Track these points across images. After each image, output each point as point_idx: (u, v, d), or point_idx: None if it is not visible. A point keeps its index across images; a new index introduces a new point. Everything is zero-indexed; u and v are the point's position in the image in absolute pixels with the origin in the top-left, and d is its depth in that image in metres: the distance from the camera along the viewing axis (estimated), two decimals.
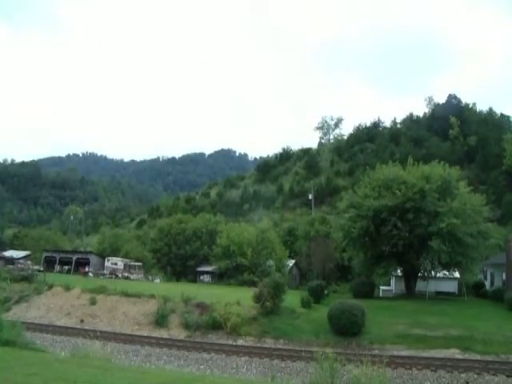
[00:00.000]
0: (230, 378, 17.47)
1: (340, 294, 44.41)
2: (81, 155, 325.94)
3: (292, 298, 31.65)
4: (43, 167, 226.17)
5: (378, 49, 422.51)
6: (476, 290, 43.18)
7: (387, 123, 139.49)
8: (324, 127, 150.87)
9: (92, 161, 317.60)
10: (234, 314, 28.22)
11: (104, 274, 54.46)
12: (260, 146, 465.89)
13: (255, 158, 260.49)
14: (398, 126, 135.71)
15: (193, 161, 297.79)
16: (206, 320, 28.61)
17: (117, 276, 53.13)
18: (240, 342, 26.28)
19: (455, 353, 22.49)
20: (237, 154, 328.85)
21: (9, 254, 66.76)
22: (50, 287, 38.39)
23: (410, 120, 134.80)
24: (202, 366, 21.47)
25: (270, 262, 54.44)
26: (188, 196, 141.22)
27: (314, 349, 17.77)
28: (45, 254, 64.34)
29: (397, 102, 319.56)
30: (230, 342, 26.14)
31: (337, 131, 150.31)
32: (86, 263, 60.62)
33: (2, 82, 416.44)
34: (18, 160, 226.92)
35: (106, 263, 57.26)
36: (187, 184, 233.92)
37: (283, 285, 30.83)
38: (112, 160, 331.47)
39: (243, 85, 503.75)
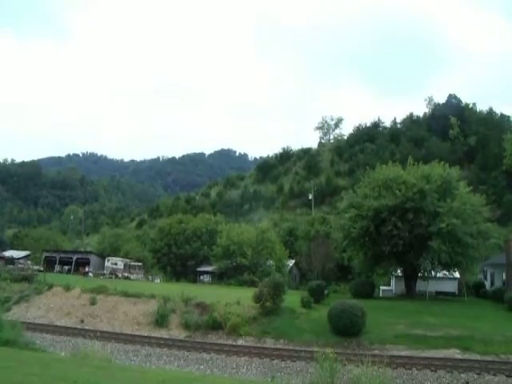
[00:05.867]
0: (229, 378, 17.49)
1: (340, 293, 44.37)
2: (81, 155, 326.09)
3: (292, 298, 31.62)
4: (43, 167, 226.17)
5: (378, 49, 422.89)
6: (476, 290, 43.15)
7: (387, 123, 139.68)
8: (324, 127, 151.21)
9: (92, 161, 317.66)
10: (234, 314, 28.21)
11: (104, 274, 54.48)
12: (260, 146, 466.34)
13: (255, 158, 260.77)
14: (398, 126, 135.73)
15: (193, 161, 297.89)
16: (205, 320, 28.59)
17: (117, 276, 53.13)
18: (240, 342, 26.25)
19: (455, 353, 22.45)
20: (237, 153, 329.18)
21: (9, 253, 66.82)
22: (50, 287, 38.37)
23: (410, 120, 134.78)
24: (201, 366, 21.47)
25: (270, 262, 54.44)
26: (188, 196, 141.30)
27: (314, 349, 17.79)
28: (45, 254, 64.38)
29: (397, 102, 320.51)
30: (230, 342, 26.11)
31: (337, 131, 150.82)
32: (86, 263, 60.67)
33: (2, 82, 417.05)
34: (18, 160, 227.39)
35: (106, 263, 57.29)
36: (187, 184, 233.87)
37: (283, 285, 30.81)
38: (112, 160, 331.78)
39: (243, 85, 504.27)
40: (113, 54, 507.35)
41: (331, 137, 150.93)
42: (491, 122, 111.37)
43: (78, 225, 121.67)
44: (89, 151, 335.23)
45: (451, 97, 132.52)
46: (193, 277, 61.19)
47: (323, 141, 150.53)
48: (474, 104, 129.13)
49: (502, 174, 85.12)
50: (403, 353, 22.61)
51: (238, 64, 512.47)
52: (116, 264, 56.03)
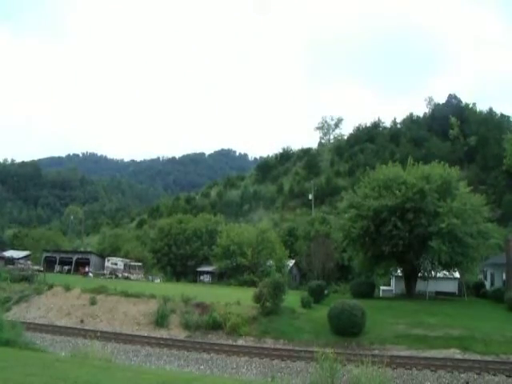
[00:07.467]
0: (229, 378, 17.51)
1: (340, 294, 44.39)
2: (81, 155, 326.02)
3: (292, 298, 31.64)
4: (43, 167, 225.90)
5: (378, 49, 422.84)
6: (476, 290, 43.16)
7: (387, 123, 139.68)
8: (324, 127, 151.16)
9: (92, 161, 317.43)
10: (234, 314, 28.23)
11: (104, 274, 54.48)
12: (260, 145, 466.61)
13: (255, 158, 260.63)
14: (398, 126, 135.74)
15: (193, 161, 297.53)
16: (205, 320, 28.60)
17: (117, 276, 53.15)
18: (240, 342, 26.27)
19: (455, 353, 22.46)
20: (237, 153, 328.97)
21: (9, 253, 66.80)
22: (50, 287, 38.38)
23: (410, 120, 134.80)
24: (201, 366, 21.47)
25: (270, 262, 54.45)
26: (188, 196, 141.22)
27: (314, 349, 17.74)
28: (45, 254, 64.39)
29: (397, 102, 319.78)
30: (230, 342, 26.12)
31: (337, 131, 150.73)
32: (86, 263, 60.68)
33: (2, 82, 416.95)
34: (18, 160, 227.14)
35: (106, 263, 57.28)
36: (187, 184, 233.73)
37: (283, 285, 30.80)
38: (112, 160, 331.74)
39: (243, 85, 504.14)
40: (113, 54, 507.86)
41: (331, 137, 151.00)
42: (491, 122, 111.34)
43: (78, 225, 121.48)
44: (89, 151, 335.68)
45: (451, 97, 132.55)
46: (193, 277, 61.22)
47: (323, 141, 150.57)
48: (474, 104, 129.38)
49: (502, 174, 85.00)
50: (403, 353, 22.61)
51: (238, 64, 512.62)
52: (116, 264, 56.02)
